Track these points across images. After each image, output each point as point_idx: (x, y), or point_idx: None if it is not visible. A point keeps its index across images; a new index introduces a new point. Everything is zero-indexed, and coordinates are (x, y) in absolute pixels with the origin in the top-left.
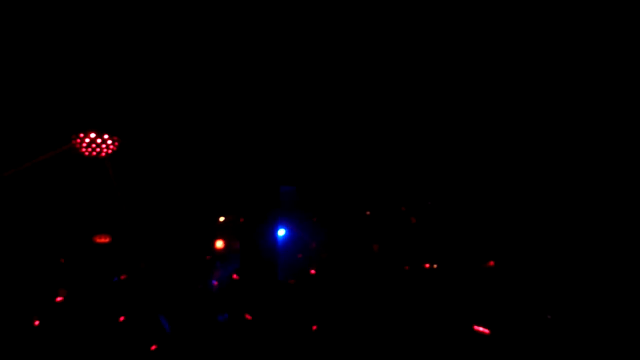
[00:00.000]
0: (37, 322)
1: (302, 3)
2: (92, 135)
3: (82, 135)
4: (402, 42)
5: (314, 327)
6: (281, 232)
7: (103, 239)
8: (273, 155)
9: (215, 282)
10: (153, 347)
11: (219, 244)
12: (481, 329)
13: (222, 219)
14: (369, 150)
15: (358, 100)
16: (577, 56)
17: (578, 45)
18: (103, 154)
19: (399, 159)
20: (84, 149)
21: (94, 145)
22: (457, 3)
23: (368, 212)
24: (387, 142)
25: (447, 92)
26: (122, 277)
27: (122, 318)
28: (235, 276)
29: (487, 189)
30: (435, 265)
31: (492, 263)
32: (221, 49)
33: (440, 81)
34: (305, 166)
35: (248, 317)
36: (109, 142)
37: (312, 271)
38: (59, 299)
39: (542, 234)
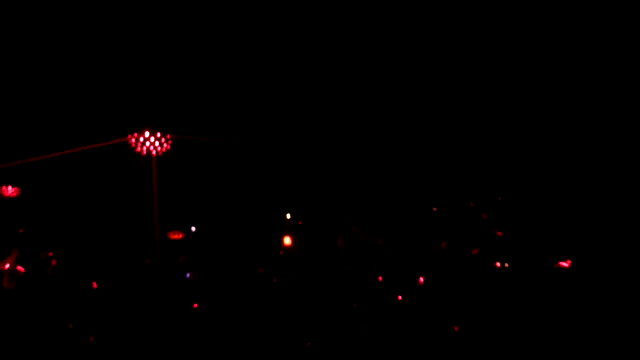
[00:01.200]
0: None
1: None
2: (147, 134)
3: (136, 134)
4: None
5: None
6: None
7: (177, 236)
8: (338, 154)
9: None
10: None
11: (287, 240)
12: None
13: (288, 216)
14: (436, 145)
15: (427, 100)
16: None
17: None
18: (154, 153)
19: (467, 153)
20: (138, 148)
21: (148, 144)
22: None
23: (435, 209)
24: (456, 136)
25: (521, 88)
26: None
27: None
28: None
29: (562, 183)
30: (506, 265)
31: (569, 262)
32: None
33: (509, 79)
34: (373, 162)
35: None
36: (162, 140)
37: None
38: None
39: (622, 231)
